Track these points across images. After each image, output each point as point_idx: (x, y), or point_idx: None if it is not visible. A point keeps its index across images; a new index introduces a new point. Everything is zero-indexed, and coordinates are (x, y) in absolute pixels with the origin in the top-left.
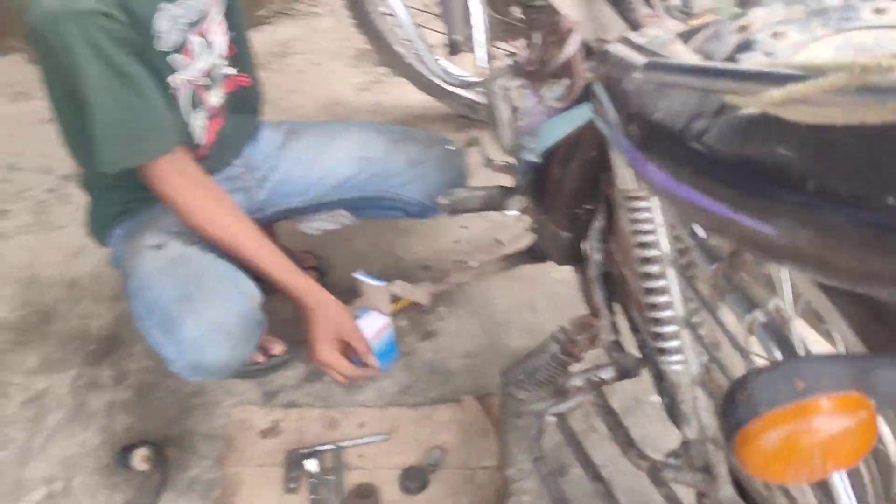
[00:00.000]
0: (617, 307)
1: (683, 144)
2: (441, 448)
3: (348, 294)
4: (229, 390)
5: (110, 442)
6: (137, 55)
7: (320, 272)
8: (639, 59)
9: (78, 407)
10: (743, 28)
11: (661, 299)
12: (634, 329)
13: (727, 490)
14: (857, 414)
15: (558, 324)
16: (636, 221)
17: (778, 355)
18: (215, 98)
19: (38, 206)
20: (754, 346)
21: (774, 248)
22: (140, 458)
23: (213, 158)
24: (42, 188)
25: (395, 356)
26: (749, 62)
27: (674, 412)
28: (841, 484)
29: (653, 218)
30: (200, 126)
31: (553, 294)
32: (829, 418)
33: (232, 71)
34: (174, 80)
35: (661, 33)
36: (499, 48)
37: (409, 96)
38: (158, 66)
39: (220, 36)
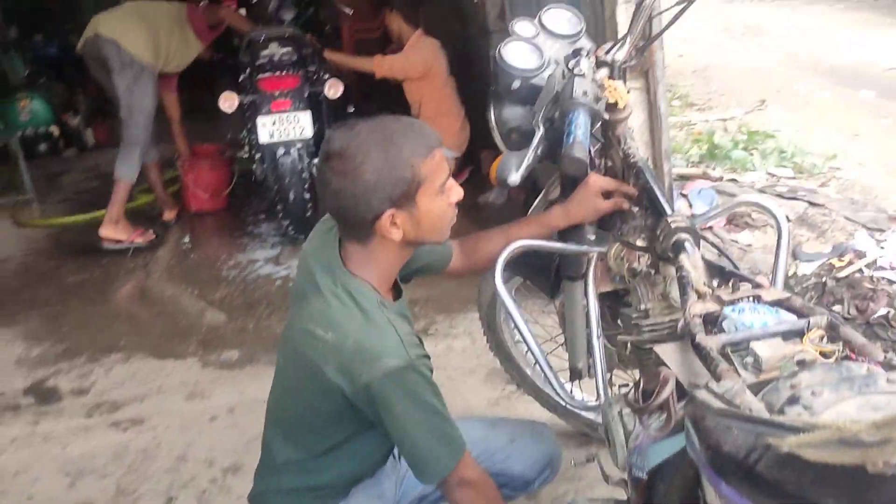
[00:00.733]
0: None
1: (744, 469)
2: None
3: None
4: None
5: None
6: None
7: None
8: (717, 404)
9: None
10: (793, 386)
11: None
12: None
13: None
14: None
15: None
16: None
17: None
18: None
19: (202, 496)
20: None
21: None
22: None
23: None
24: (206, 478)
25: None
26: (791, 413)
27: None
28: None
29: None
30: None
31: None
32: None
33: None
34: None
35: (735, 385)
36: (615, 376)
37: (535, 413)
38: None
39: None
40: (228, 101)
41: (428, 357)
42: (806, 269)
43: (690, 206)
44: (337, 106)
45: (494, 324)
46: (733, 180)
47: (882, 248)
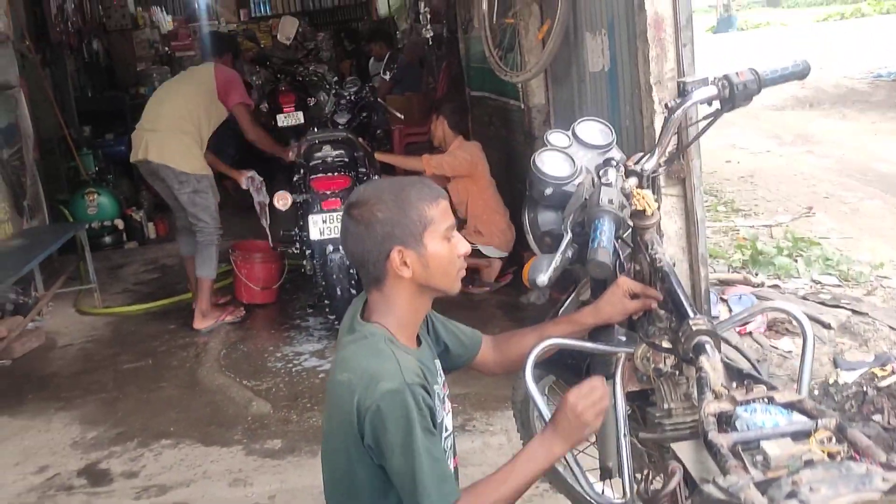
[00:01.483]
0: None
1: None
2: None
3: None
4: None
5: None
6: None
7: None
8: (721, 497)
9: None
10: (795, 483)
11: None
12: None
13: None
14: None
15: None
16: None
17: None
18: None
19: None
20: None
21: None
22: None
23: None
24: None
25: None
26: None
27: None
28: None
29: None
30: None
31: None
32: None
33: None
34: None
35: (740, 480)
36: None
37: None
38: (437, 426)
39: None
40: (283, 200)
41: (428, 393)
42: (847, 377)
43: (730, 311)
44: None
45: (528, 421)
46: (776, 286)
47: None
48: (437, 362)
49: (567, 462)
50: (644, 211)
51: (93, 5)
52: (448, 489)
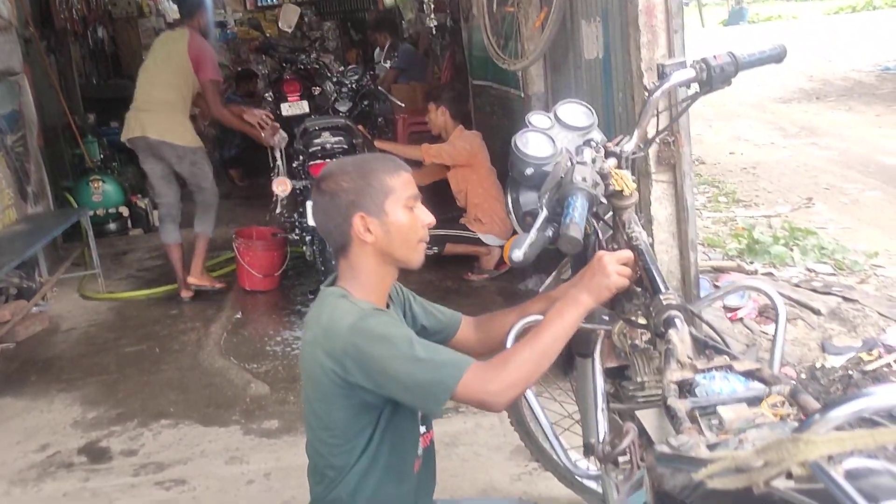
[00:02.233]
0: None
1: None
2: None
3: None
4: None
5: None
6: None
7: None
8: (669, 452)
9: None
10: (741, 441)
11: None
12: None
13: None
14: None
15: None
16: None
17: None
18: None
19: None
20: None
21: None
22: None
23: (420, 481)
24: None
25: None
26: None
27: None
28: None
29: None
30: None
31: None
32: None
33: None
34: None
35: (691, 439)
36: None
37: (555, 490)
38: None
39: None
40: (282, 186)
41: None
42: (834, 361)
43: (722, 299)
44: None
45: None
46: (769, 274)
47: None
48: None
49: (550, 440)
50: (622, 191)
51: None
52: (450, 370)
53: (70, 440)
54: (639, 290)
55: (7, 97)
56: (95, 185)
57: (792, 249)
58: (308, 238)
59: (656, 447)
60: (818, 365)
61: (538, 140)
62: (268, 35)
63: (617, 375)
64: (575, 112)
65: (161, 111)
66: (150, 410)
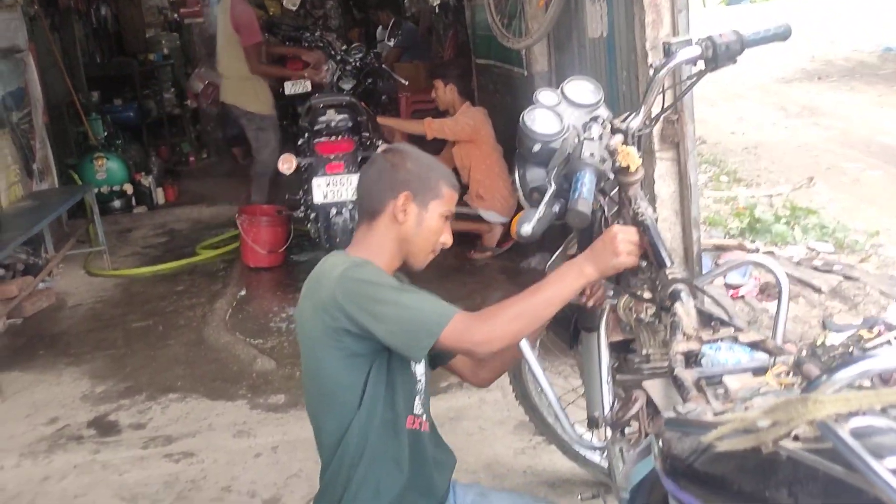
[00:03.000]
0: None
1: (688, 469)
2: None
3: None
4: None
5: None
6: None
7: None
8: (677, 417)
9: None
10: (746, 408)
11: None
12: None
13: None
14: None
15: None
16: None
17: None
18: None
19: None
20: None
21: None
22: None
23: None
24: None
25: None
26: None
27: None
28: None
29: None
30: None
31: None
32: None
33: None
34: None
35: (698, 408)
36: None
37: (559, 463)
38: None
39: None
40: (287, 163)
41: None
42: (835, 339)
43: (724, 275)
44: None
45: (520, 374)
46: (771, 253)
47: None
48: None
49: (557, 413)
50: (628, 168)
51: None
52: (436, 317)
53: (79, 413)
54: (644, 263)
55: (13, 74)
56: (99, 162)
57: (793, 228)
58: (313, 216)
59: (665, 414)
60: (819, 342)
61: (546, 117)
62: (271, 13)
63: (622, 349)
64: (582, 89)
65: (231, 77)
66: (158, 385)
